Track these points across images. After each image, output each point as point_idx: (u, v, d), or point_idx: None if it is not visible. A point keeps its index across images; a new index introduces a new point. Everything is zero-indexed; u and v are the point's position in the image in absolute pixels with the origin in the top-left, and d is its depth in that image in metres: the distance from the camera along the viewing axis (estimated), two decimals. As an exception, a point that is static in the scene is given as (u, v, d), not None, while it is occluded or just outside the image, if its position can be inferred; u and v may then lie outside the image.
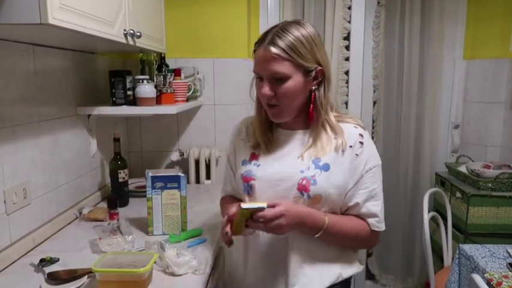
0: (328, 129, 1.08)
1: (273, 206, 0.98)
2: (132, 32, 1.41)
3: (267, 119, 1.13)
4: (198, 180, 2.24)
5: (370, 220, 1.08)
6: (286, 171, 1.07)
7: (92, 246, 1.35)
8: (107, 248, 1.27)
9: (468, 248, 1.62)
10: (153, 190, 1.42)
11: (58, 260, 1.24)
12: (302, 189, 1.04)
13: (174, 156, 2.24)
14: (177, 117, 2.25)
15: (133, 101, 1.77)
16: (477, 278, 1.27)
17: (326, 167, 1.05)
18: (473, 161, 2.36)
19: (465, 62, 2.49)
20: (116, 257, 1.13)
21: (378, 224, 1.09)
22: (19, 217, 1.30)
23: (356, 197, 1.07)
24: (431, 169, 2.54)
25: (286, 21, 1.06)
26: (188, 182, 2.06)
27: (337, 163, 1.06)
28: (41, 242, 1.39)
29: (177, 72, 1.97)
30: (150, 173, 1.43)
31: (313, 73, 1.04)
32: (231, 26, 2.19)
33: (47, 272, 1.14)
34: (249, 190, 1.11)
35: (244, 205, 0.96)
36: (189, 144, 2.27)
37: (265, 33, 1.05)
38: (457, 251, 1.66)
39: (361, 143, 1.07)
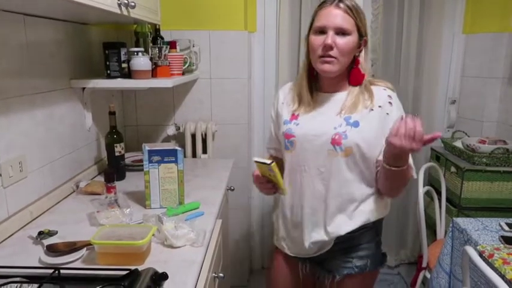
0: (364, 91, 1.22)
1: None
2: (126, 1, 1.37)
3: (308, 83, 1.27)
4: (194, 155, 2.24)
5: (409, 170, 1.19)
6: (321, 127, 1.21)
7: (90, 219, 1.35)
8: (105, 221, 1.28)
9: (461, 221, 1.65)
10: (150, 164, 1.42)
11: (56, 232, 1.25)
12: (335, 143, 1.18)
13: (170, 130, 2.23)
14: (173, 91, 2.22)
15: (129, 74, 1.74)
16: (470, 249, 1.30)
17: (356, 124, 1.18)
18: (468, 136, 2.37)
19: (464, 37, 2.46)
20: (115, 230, 1.14)
21: (414, 174, 1.21)
22: (16, 190, 1.29)
23: None
24: (427, 144, 2.55)
25: None
26: (184, 157, 2.06)
27: (366, 120, 1.18)
28: (39, 215, 1.40)
29: (172, 45, 1.93)
30: (147, 147, 1.42)
31: (362, 39, 1.20)
32: (228, -3, 2.13)
33: (46, 244, 1.15)
34: (290, 146, 1.27)
35: (256, 158, 1.17)
36: (185, 119, 2.25)
37: None
38: (451, 224, 1.69)
39: (390, 103, 1.20)
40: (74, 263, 1.08)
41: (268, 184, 1.25)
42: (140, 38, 1.92)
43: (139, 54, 1.71)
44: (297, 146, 1.25)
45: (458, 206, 2.14)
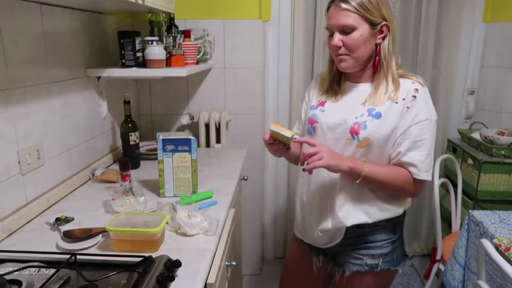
0: (390, 82, 1.19)
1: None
2: (140, -10, 1.37)
3: (336, 73, 1.29)
4: (208, 144, 2.25)
5: (410, 168, 1.18)
6: (343, 116, 1.22)
7: (105, 207, 1.38)
8: (120, 209, 1.30)
9: (478, 214, 1.62)
10: (164, 153, 1.43)
11: (73, 219, 1.28)
12: (353, 132, 1.18)
13: (184, 120, 2.24)
14: (187, 80, 2.23)
15: (143, 63, 1.75)
16: (486, 242, 1.28)
17: (378, 115, 1.17)
18: (487, 127, 2.32)
19: (484, 25, 2.39)
20: (129, 217, 1.16)
21: (418, 173, 1.17)
22: (34, 177, 1.32)
23: (400, 146, 1.18)
24: (444, 135, 2.51)
25: None
26: (198, 146, 2.07)
27: (388, 113, 1.17)
28: (56, 202, 1.42)
29: (186, 34, 1.92)
30: (161, 136, 1.43)
31: (379, 27, 1.17)
32: (242, -15, 2.11)
33: (62, 230, 1.18)
34: (312, 131, 1.29)
35: (273, 127, 1.15)
36: (199, 108, 2.25)
37: None
38: (467, 217, 1.66)
39: (414, 96, 1.17)
40: (90, 249, 1.11)
41: (279, 144, 1.22)
42: (155, 27, 1.92)
43: (154, 43, 1.71)
44: (318, 131, 1.26)
45: (474, 199, 2.10)
